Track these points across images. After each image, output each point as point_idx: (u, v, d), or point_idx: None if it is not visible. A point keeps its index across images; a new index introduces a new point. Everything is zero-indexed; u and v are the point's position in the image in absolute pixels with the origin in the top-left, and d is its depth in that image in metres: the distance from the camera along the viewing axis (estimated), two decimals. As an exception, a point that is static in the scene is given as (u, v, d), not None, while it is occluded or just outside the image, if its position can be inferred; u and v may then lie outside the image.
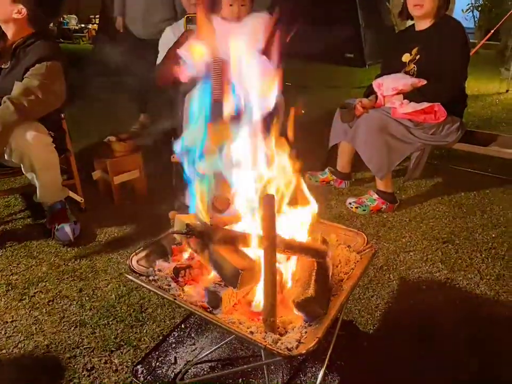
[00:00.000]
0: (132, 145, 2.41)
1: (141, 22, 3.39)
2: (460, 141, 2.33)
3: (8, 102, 1.70)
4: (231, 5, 2.21)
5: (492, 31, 6.46)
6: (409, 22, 2.41)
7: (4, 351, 1.38)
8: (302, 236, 1.09)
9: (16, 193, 2.44)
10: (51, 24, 10.55)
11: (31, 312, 1.55)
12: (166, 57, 2.34)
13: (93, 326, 1.48)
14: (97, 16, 9.35)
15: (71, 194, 2.09)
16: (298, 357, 1.14)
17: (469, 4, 9.64)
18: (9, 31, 1.85)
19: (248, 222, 1.06)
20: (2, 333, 1.45)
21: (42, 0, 1.82)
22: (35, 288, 1.67)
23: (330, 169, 2.63)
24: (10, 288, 1.67)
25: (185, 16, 2.20)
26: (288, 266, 1.06)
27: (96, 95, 4.80)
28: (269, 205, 0.93)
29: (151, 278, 1.08)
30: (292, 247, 1.03)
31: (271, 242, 0.93)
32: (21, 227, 2.12)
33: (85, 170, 2.36)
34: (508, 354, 1.39)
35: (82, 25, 10.69)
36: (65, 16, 10.62)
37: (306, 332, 0.89)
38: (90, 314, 1.54)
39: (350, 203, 2.32)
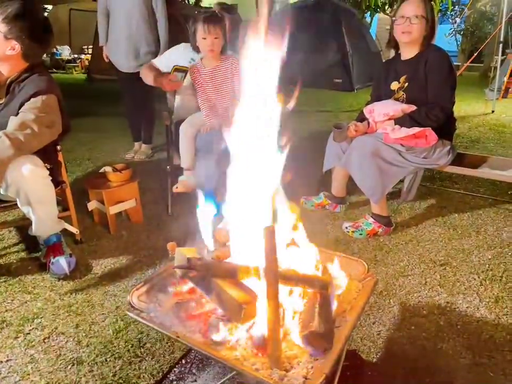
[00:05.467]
0: (128, 174, 2.41)
1: (123, 55, 3.42)
2: (451, 164, 2.38)
3: (4, 136, 1.70)
4: (204, 38, 2.30)
5: (475, 54, 6.70)
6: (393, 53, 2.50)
7: (-2, 393, 1.34)
8: (303, 267, 1.08)
9: (10, 226, 2.41)
10: (44, 55, 10.72)
11: (27, 350, 1.51)
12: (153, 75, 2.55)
13: (90, 363, 1.45)
14: (90, 46, 9.53)
15: (67, 226, 2.07)
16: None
17: (451, 29, 10.02)
18: (4, 67, 1.86)
19: (249, 255, 1.06)
20: (-3, 373, 1.41)
21: (35, 34, 1.83)
22: (30, 325, 1.63)
23: (325, 193, 2.66)
24: (5, 326, 1.63)
25: (173, 66, 2.40)
26: (290, 299, 1.06)
27: (89, 124, 4.85)
28: (270, 237, 0.94)
29: (152, 314, 1.06)
30: (294, 279, 1.03)
31: (273, 275, 0.93)
32: (15, 261, 2.08)
33: (79, 201, 2.35)
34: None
35: (75, 56, 10.85)
36: (58, 47, 10.79)
37: (312, 367, 0.88)
38: (87, 351, 1.50)
39: (346, 227, 2.33)
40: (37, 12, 1.89)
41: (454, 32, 10.17)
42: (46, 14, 12.31)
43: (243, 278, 1.02)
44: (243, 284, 1.02)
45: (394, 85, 2.29)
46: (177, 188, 2.31)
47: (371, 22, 9.58)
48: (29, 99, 1.80)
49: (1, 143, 1.69)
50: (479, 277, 1.92)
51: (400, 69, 2.28)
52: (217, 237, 1.08)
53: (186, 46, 2.61)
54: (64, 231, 2.08)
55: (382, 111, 2.25)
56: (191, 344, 0.95)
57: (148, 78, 2.60)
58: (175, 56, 2.61)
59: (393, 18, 2.28)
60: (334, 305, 1.05)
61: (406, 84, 2.23)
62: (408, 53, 2.26)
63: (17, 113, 1.79)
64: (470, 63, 7.00)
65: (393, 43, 2.34)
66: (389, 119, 2.23)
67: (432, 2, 2.17)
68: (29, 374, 1.40)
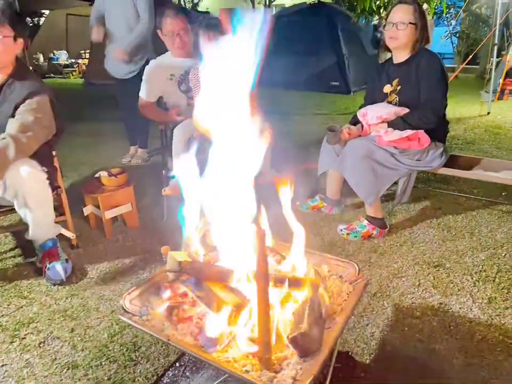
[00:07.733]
0: (124, 179, 2.42)
1: (115, 62, 3.45)
2: (444, 166, 2.39)
3: (10, 139, 1.71)
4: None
5: (471, 56, 6.73)
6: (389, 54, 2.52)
7: (-7, 398, 1.35)
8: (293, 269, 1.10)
9: (6, 231, 2.42)
10: (42, 60, 10.72)
11: (22, 355, 1.51)
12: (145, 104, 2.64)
13: (85, 367, 1.45)
14: (87, 51, 9.57)
15: (63, 231, 2.08)
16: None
17: (447, 31, 10.07)
18: (3, 70, 1.85)
19: (240, 258, 1.07)
20: (-8, 378, 1.42)
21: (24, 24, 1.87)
22: (26, 330, 1.64)
23: (320, 196, 2.67)
24: (0, 330, 1.64)
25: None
26: (280, 301, 1.07)
27: (86, 128, 4.86)
28: (260, 241, 0.95)
29: (144, 317, 1.07)
30: (284, 281, 1.04)
31: (264, 278, 0.94)
32: (11, 266, 2.09)
33: (75, 205, 2.36)
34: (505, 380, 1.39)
35: (73, 60, 10.88)
36: (55, 52, 10.82)
37: (301, 369, 0.89)
38: (82, 355, 1.51)
39: (341, 229, 2.34)
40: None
41: (449, 34, 10.21)
42: (43, 19, 12.36)
43: (234, 281, 1.03)
44: (233, 286, 1.03)
45: (387, 88, 2.31)
46: (165, 190, 2.32)
47: (367, 25, 9.60)
48: (23, 101, 1.82)
49: (7, 145, 1.69)
50: (472, 278, 1.93)
51: (392, 72, 2.31)
52: (207, 240, 1.09)
53: (159, 62, 2.69)
54: (60, 236, 2.09)
55: (375, 114, 2.27)
56: (182, 347, 0.96)
57: (157, 119, 2.80)
58: (156, 83, 2.65)
59: (384, 23, 2.31)
60: (324, 307, 1.06)
61: (399, 87, 2.26)
62: (399, 56, 2.28)
63: (13, 115, 1.80)
64: (465, 65, 7.03)
65: (385, 47, 2.36)
66: (382, 121, 2.25)
67: (426, 6, 2.19)
68: (24, 379, 1.41)
